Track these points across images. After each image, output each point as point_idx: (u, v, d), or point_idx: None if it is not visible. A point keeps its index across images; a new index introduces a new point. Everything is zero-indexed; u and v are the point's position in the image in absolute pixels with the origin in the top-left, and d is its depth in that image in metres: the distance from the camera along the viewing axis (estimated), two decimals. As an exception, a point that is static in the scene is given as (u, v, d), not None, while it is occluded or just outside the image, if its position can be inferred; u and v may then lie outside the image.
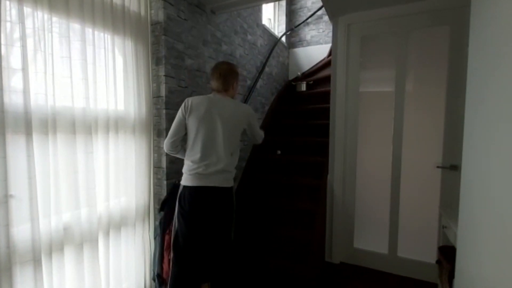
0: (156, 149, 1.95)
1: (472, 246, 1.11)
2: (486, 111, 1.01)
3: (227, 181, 1.57)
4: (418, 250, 2.16)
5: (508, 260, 0.82)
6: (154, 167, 1.95)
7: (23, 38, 1.20)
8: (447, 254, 1.63)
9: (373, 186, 2.33)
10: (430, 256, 2.04)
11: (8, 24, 1.18)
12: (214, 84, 1.64)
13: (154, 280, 1.86)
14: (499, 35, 0.92)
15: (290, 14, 4.42)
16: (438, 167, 2.02)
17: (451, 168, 1.96)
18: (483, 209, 1.01)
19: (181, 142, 1.62)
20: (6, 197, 1.17)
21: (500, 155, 0.89)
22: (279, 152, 3.09)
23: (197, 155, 1.52)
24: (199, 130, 1.53)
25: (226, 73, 1.62)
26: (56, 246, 1.37)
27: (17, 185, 1.21)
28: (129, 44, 1.72)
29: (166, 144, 1.61)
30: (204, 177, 1.52)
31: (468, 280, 1.15)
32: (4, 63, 1.17)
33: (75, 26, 1.44)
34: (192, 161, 1.54)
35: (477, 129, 1.10)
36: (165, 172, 1.92)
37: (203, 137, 1.53)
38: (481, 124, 1.05)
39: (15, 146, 1.20)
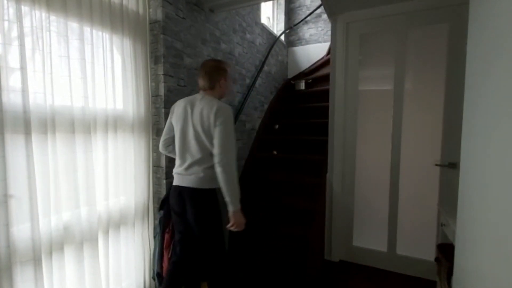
0: (155, 148, 1.94)
1: (470, 244, 1.12)
2: (484, 108, 1.02)
3: (201, 182, 1.50)
4: (417, 248, 2.17)
5: (506, 257, 0.83)
6: (153, 166, 1.95)
7: (21, 37, 1.20)
8: (446, 251, 1.63)
9: (372, 184, 2.34)
10: (429, 253, 2.05)
11: (6, 23, 1.17)
12: (200, 82, 1.60)
13: (154, 279, 1.86)
14: (497, 32, 0.93)
15: (289, 12, 4.42)
16: (436, 165, 2.03)
17: (450, 166, 1.97)
18: (481, 206, 1.02)
19: (173, 142, 1.66)
20: (6, 196, 1.16)
21: (498, 153, 0.89)
22: (275, 152, 3.09)
23: (176, 155, 1.60)
24: (176, 130, 1.58)
25: (211, 70, 1.57)
26: (56, 245, 1.37)
27: (17, 185, 1.21)
28: (127, 43, 1.72)
29: (160, 144, 1.70)
30: (180, 176, 1.56)
31: (466, 277, 1.15)
32: (2, 63, 1.16)
33: (73, 25, 1.43)
34: (175, 161, 1.62)
35: (475, 127, 1.10)
36: (164, 171, 1.92)
37: (177, 137, 1.57)
38: (479, 122, 1.05)
39: (14, 145, 1.20)
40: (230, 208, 1.47)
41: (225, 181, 1.43)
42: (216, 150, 1.45)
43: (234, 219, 1.48)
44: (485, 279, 0.96)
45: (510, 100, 0.83)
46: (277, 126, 3.03)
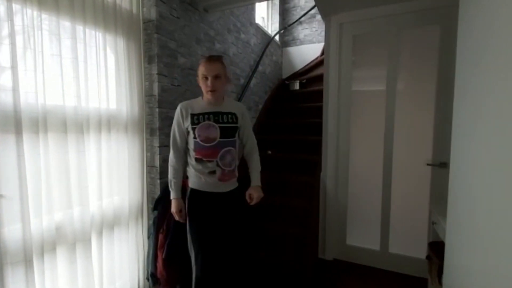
0: (149, 148, 1.94)
1: (460, 242, 1.14)
2: (473, 108, 1.04)
3: None
4: (409, 246, 2.20)
5: (495, 254, 0.85)
6: (147, 166, 1.95)
7: (12, 35, 1.18)
8: (437, 249, 1.66)
9: (365, 183, 2.36)
10: (421, 251, 2.08)
11: (-3, 21, 1.16)
12: None
13: (148, 279, 1.85)
14: (485, 34, 0.95)
15: (283, 13, 4.43)
16: (428, 164, 2.06)
17: (441, 165, 2.00)
18: (470, 205, 1.04)
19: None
20: (-4, 197, 1.15)
21: (487, 153, 0.91)
22: (269, 152, 3.10)
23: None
24: None
25: None
26: (48, 246, 1.35)
27: (7, 185, 1.19)
28: (121, 42, 1.71)
29: None
30: None
31: (456, 275, 1.18)
32: (-8, 61, 1.15)
33: (66, 23, 1.42)
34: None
35: (464, 127, 1.12)
36: (158, 171, 1.91)
37: None
38: (469, 122, 1.08)
39: (5, 145, 1.18)
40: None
41: None
42: None
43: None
44: (474, 276, 0.98)
45: (498, 100, 0.85)
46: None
